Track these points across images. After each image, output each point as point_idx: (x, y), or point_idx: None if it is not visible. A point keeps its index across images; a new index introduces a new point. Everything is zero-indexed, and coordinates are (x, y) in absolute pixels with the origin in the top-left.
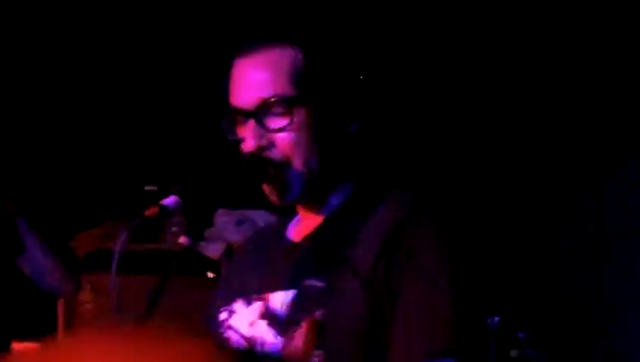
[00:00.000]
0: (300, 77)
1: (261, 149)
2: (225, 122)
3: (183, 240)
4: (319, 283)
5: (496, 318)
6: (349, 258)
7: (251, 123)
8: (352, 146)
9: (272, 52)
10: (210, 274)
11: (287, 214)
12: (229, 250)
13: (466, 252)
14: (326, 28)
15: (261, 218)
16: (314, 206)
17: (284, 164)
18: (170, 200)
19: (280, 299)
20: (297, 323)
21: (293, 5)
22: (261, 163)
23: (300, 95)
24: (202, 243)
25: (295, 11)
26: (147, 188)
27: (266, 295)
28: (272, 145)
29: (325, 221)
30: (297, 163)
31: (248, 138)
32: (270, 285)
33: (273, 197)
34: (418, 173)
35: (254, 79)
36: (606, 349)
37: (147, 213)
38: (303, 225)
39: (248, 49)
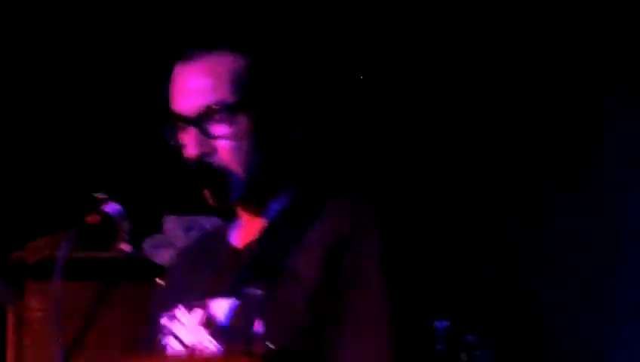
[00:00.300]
0: (240, 83)
1: (203, 155)
2: (167, 128)
3: (124, 246)
4: (259, 292)
5: (445, 322)
6: (291, 266)
7: (192, 129)
8: (293, 152)
9: (212, 58)
10: (159, 281)
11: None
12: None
13: (408, 262)
14: (266, 34)
15: (210, 224)
16: (255, 211)
17: (225, 170)
18: (111, 207)
19: (221, 307)
20: (237, 333)
21: (233, 11)
22: (202, 169)
23: (241, 102)
24: (150, 250)
25: (235, 17)
26: (97, 195)
27: (207, 302)
28: (213, 151)
29: (267, 227)
30: (238, 169)
31: (190, 144)
32: (211, 291)
33: (213, 202)
34: (358, 177)
35: (195, 86)
36: (556, 349)
37: (89, 219)
38: (245, 231)
39: (188, 55)
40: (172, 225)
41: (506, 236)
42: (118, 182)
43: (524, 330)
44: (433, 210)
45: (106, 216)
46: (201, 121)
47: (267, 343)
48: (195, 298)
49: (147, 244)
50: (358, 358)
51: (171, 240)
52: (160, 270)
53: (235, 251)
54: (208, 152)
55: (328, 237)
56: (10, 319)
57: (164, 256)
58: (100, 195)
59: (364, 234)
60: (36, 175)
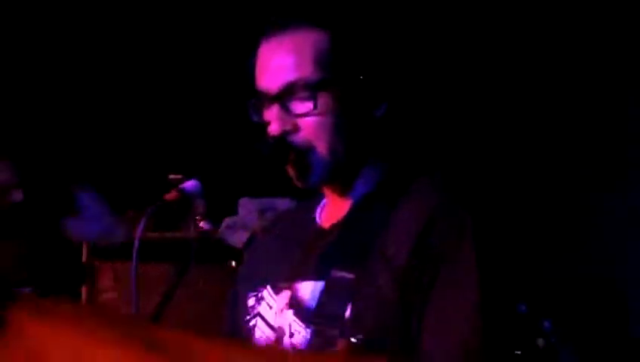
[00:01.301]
0: (324, 60)
1: (286, 133)
2: (251, 104)
3: (203, 224)
4: (349, 275)
5: (523, 307)
6: (379, 248)
7: (276, 106)
8: (377, 131)
9: (295, 35)
10: (234, 263)
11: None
12: (253, 239)
13: (494, 249)
14: (350, 11)
15: (285, 206)
16: (341, 191)
17: (309, 149)
18: (189, 184)
19: (309, 289)
20: (325, 317)
21: None
22: (285, 146)
23: (325, 79)
24: (226, 232)
25: None
26: (172, 176)
27: (295, 284)
28: (296, 129)
29: (353, 207)
30: (321, 147)
31: (273, 121)
32: (298, 273)
33: (297, 181)
34: (444, 158)
35: (279, 63)
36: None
37: (167, 196)
38: (330, 211)
39: (273, 31)
40: (247, 207)
41: (588, 222)
42: (195, 163)
43: (604, 317)
44: (515, 194)
45: (184, 193)
46: (284, 98)
47: (351, 339)
48: (282, 279)
49: (222, 225)
50: (441, 343)
51: (246, 222)
52: (234, 252)
53: (322, 231)
54: (291, 130)
55: (417, 217)
56: (84, 299)
57: (239, 238)
58: (175, 177)
59: (454, 211)
60: (118, 157)
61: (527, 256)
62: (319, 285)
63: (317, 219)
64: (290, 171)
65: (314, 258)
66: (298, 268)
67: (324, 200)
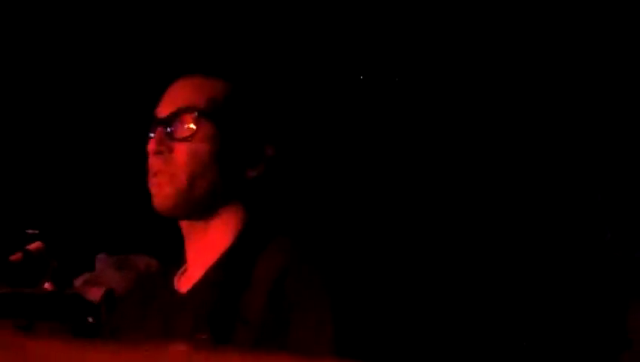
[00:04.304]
0: (217, 102)
1: (160, 153)
2: (146, 134)
3: (47, 285)
4: (205, 337)
5: None
6: (238, 308)
7: (160, 129)
8: (246, 183)
9: (200, 78)
10: (90, 319)
11: (168, 259)
12: (110, 294)
13: (342, 299)
14: (247, 63)
15: (141, 262)
16: (198, 230)
17: (174, 173)
18: (35, 245)
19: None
20: None
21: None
22: (156, 167)
23: (210, 111)
24: (84, 287)
25: (217, 45)
26: (29, 231)
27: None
28: (170, 150)
29: (209, 271)
30: (186, 174)
31: (151, 141)
32: (161, 340)
33: (157, 197)
34: (298, 219)
35: (176, 93)
36: None
37: (12, 257)
38: (189, 275)
39: (180, 76)
40: (103, 263)
41: None
42: (51, 219)
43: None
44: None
45: (29, 254)
46: (169, 121)
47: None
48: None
49: (78, 282)
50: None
51: (102, 278)
52: (91, 307)
53: (180, 297)
54: (164, 150)
55: (270, 276)
56: None
57: (95, 294)
58: (31, 231)
59: (302, 267)
60: None
61: None
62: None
63: (176, 285)
64: (151, 188)
65: (177, 324)
66: (161, 335)
67: (184, 266)
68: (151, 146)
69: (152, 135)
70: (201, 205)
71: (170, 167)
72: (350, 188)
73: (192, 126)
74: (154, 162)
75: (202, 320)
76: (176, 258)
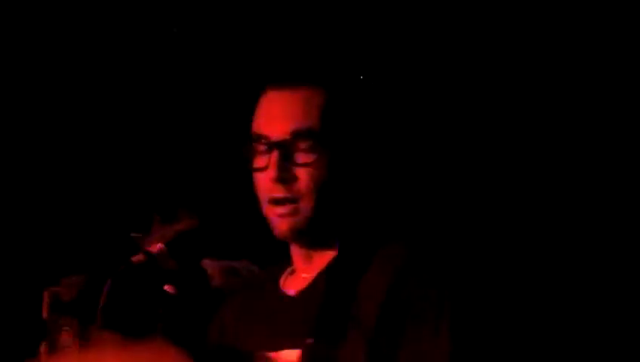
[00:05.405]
0: (327, 117)
1: (282, 180)
2: (245, 150)
3: (167, 288)
4: (321, 342)
5: None
6: (351, 314)
7: (276, 153)
8: (356, 196)
9: (305, 89)
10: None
11: (268, 264)
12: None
13: (465, 299)
14: (350, 71)
15: (244, 267)
16: (308, 248)
17: (299, 199)
18: (156, 247)
19: (285, 359)
20: None
21: (315, 43)
22: (281, 195)
23: (328, 134)
24: None
25: (318, 50)
26: (133, 234)
27: (270, 354)
28: (293, 178)
29: (321, 274)
30: (311, 200)
31: (271, 167)
32: (271, 342)
33: (282, 227)
34: (408, 223)
35: (287, 111)
36: None
37: (134, 258)
38: (297, 278)
39: (283, 82)
40: (211, 267)
41: None
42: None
43: None
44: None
45: (150, 256)
46: (287, 145)
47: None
48: (255, 348)
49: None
50: None
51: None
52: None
53: (291, 300)
54: (288, 178)
55: (384, 283)
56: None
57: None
58: (137, 235)
59: (423, 269)
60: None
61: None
62: (294, 354)
63: (283, 287)
64: (272, 217)
65: (286, 326)
66: (270, 336)
67: (290, 268)
68: (273, 174)
69: (261, 154)
70: (321, 226)
71: (295, 194)
72: (454, 189)
73: (313, 151)
74: (275, 189)
75: (311, 323)
76: (279, 261)
